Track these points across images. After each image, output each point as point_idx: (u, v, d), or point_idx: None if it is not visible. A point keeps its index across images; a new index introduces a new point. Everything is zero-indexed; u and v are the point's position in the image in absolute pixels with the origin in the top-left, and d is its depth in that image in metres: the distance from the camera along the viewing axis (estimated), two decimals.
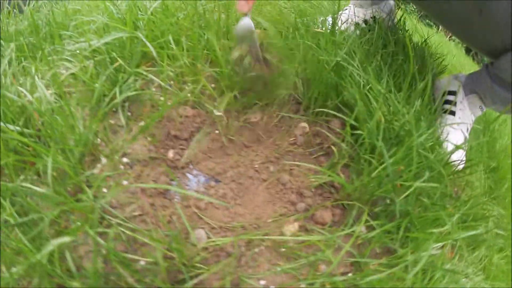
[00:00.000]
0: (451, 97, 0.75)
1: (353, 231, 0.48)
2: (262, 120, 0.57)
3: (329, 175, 0.49)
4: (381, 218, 0.52)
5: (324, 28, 0.65)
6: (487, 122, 0.90)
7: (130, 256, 0.44)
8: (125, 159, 0.56)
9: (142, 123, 0.60)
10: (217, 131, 0.56)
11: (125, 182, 0.54)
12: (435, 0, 0.66)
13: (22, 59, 0.77)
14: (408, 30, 0.91)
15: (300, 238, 0.49)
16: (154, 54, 0.61)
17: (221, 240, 0.48)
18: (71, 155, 0.54)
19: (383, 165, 0.49)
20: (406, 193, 0.47)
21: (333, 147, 0.54)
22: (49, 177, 0.46)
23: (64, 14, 0.85)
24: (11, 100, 0.58)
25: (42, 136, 0.57)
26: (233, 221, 0.50)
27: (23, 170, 0.55)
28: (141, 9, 0.71)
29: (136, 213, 0.51)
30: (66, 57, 0.69)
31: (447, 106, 0.74)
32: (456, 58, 1.81)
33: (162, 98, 0.59)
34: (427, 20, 3.67)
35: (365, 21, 0.85)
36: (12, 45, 0.76)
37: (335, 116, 0.56)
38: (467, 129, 0.73)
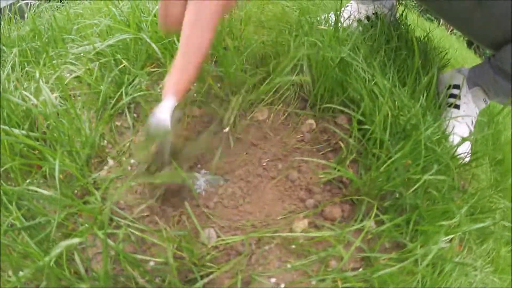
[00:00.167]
0: (455, 91, 0.75)
1: (362, 226, 0.48)
2: (269, 118, 0.57)
3: (338, 170, 0.49)
4: (390, 213, 0.52)
5: (327, 25, 0.65)
6: (491, 115, 0.90)
7: (139, 256, 0.44)
8: (132, 160, 0.56)
9: None
10: (224, 130, 0.57)
11: (132, 183, 0.54)
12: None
13: (25, 64, 0.77)
14: (410, 25, 0.91)
15: (310, 234, 0.49)
16: (159, 54, 0.61)
17: (231, 238, 0.48)
18: (77, 157, 0.54)
19: (391, 159, 0.49)
20: (415, 187, 0.47)
21: (340, 143, 0.54)
22: (57, 179, 0.46)
23: (66, 18, 0.85)
24: (15, 105, 0.58)
25: (48, 139, 0.57)
26: (242, 219, 0.50)
27: (29, 174, 0.55)
28: (143, 11, 0.71)
29: (144, 214, 0.51)
30: (70, 61, 0.69)
31: (451, 100, 0.74)
32: (458, 52, 1.82)
33: None
34: (427, 15, 3.68)
35: (367, 18, 0.85)
36: (15, 50, 0.76)
37: (341, 112, 0.56)
38: (472, 122, 0.73)
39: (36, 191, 0.48)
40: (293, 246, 0.49)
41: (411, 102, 0.55)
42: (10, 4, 1.00)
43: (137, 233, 0.47)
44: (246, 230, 0.49)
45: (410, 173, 0.49)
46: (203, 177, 0.54)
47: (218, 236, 0.48)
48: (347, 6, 0.89)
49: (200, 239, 0.48)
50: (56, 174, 0.45)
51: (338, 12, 0.63)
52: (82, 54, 0.68)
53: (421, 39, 0.91)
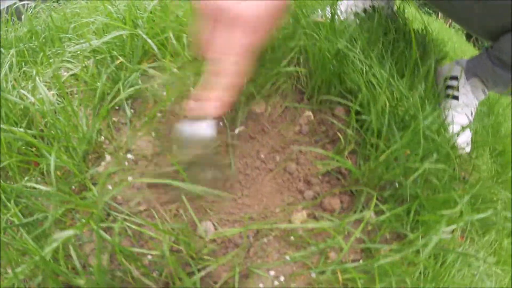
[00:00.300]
0: (453, 82, 0.74)
1: (362, 217, 0.48)
2: (266, 111, 0.57)
3: (337, 161, 0.49)
4: (390, 203, 0.51)
5: (324, 18, 0.65)
6: (491, 106, 0.89)
7: (136, 250, 0.44)
8: (129, 156, 0.56)
9: (145, 119, 0.60)
10: (221, 123, 0.56)
11: (130, 178, 0.54)
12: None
13: (23, 64, 0.77)
14: (408, 18, 0.91)
15: (308, 225, 0.48)
16: (156, 50, 0.61)
17: (229, 231, 0.47)
18: (75, 154, 0.54)
19: (390, 149, 0.49)
20: (415, 175, 0.47)
21: (338, 134, 0.53)
22: (52, 174, 0.45)
23: (63, 18, 0.85)
24: (13, 103, 0.58)
25: (46, 136, 0.57)
26: (240, 212, 0.50)
27: (27, 171, 0.54)
28: (139, 9, 0.71)
29: (142, 208, 0.50)
30: (67, 59, 0.69)
31: (450, 91, 0.73)
32: (457, 45, 1.81)
33: (164, 94, 0.59)
34: (426, 8, 3.67)
35: (364, 10, 0.85)
36: (13, 51, 0.76)
37: (339, 103, 0.56)
38: (472, 113, 0.73)
39: (35, 188, 0.48)
40: (292, 238, 0.49)
41: (409, 93, 0.54)
42: (7, 7, 1.00)
43: (134, 227, 0.46)
44: (244, 222, 0.49)
45: (409, 163, 0.48)
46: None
47: (216, 229, 0.48)
48: None
49: (197, 232, 0.47)
50: (52, 167, 0.45)
51: (335, 5, 0.63)
52: (78, 52, 0.68)
53: (419, 31, 0.90)
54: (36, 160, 0.53)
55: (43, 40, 0.80)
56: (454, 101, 0.72)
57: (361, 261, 0.49)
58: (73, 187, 0.53)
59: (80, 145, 0.54)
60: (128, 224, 0.46)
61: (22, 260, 0.44)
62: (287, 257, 0.47)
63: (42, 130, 0.57)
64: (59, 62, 0.69)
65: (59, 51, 0.73)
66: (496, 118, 0.88)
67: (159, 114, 0.59)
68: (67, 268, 0.44)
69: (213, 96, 0.41)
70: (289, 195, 0.51)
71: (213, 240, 0.47)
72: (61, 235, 0.41)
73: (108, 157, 0.56)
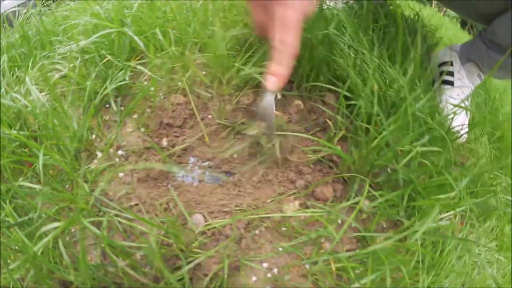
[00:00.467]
0: (448, 68, 0.73)
1: (355, 203, 0.47)
2: (254, 101, 0.56)
3: (329, 147, 0.48)
4: (384, 189, 0.50)
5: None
6: (488, 91, 0.88)
7: (127, 243, 0.43)
8: (120, 152, 0.56)
9: (135, 116, 0.59)
10: (210, 116, 0.56)
11: (121, 174, 0.53)
12: None
13: (16, 69, 0.78)
14: (398, 4, 0.90)
15: (300, 214, 0.47)
16: (142, 46, 0.61)
17: (219, 222, 0.47)
18: (67, 152, 0.54)
19: (381, 134, 0.48)
20: (407, 158, 0.45)
21: (328, 121, 0.52)
22: (41, 170, 0.45)
23: (54, 21, 0.85)
24: (6, 107, 0.59)
25: (38, 137, 0.57)
26: (231, 203, 0.49)
27: (21, 172, 0.55)
28: (127, 7, 0.71)
29: (132, 203, 0.50)
30: (57, 61, 0.69)
31: (445, 77, 0.72)
32: (452, 32, 1.79)
33: (152, 89, 0.58)
34: None
35: None
36: (5, 56, 0.77)
37: (329, 90, 0.55)
38: (468, 98, 0.71)
39: (29, 188, 0.48)
40: (284, 229, 0.48)
41: (399, 76, 0.53)
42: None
43: (124, 221, 0.46)
44: (235, 214, 0.48)
45: (400, 146, 0.47)
46: (192, 164, 0.53)
47: (206, 221, 0.47)
48: None
49: (188, 225, 0.47)
50: (40, 164, 0.45)
51: None
52: (68, 53, 0.68)
53: (410, 18, 0.89)
54: (30, 161, 0.53)
55: (34, 44, 0.80)
56: (449, 87, 0.71)
57: (357, 250, 0.48)
58: (67, 185, 0.53)
59: (72, 144, 0.54)
60: (119, 219, 0.45)
61: (17, 258, 0.44)
62: (280, 249, 0.46)
63: (34, 131, 0.58)
64: (49, 64, 0.69)
65: (49, 54, 0.74)
66: (493, 104, 0.86)
67: (148, 110, 0.59)
68: (61, 265, 0.44)
69: (278, 70, 0.45)
70: (280, 185, 0.51)
71: (203, 233, 0.46)
72: (48, 227, 0.40)
73: (99, 155, 0.56)
